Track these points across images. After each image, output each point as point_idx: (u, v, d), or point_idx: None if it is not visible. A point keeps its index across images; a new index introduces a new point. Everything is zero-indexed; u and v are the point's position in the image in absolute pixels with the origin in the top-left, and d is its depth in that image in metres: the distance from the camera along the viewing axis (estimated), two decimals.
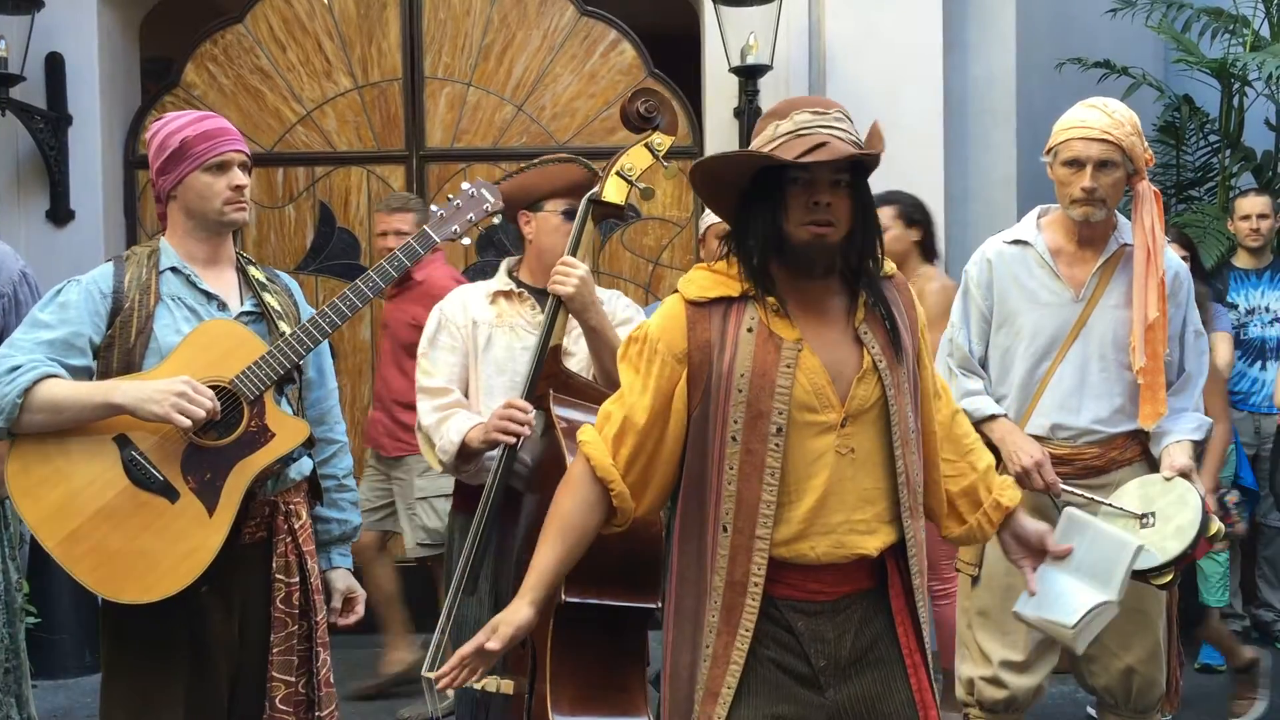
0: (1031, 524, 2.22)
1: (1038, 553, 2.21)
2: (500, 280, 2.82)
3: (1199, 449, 3.11)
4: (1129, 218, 2.96)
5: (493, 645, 1.98)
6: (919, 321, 2.15)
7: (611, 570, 2.34)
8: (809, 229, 1.95)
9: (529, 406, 2.52)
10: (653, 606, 2.50)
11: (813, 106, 2.01)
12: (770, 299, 2.00)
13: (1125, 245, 2.95)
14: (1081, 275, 2.97)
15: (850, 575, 2.05)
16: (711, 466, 2.01)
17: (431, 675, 2.43)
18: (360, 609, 2.70)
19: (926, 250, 4.17)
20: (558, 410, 2.48)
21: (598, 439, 2.05)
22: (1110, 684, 3.03)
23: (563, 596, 2.29)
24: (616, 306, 2.83)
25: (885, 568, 2.07)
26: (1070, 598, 2.23)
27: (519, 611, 2.01)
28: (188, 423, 2.23)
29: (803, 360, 1.99)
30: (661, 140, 2.62)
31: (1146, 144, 2.94)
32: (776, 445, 1.97)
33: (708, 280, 2.05)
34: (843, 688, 2.05)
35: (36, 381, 2.23)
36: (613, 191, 2.58)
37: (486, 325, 2.76)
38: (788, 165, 1.93)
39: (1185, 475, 2.83)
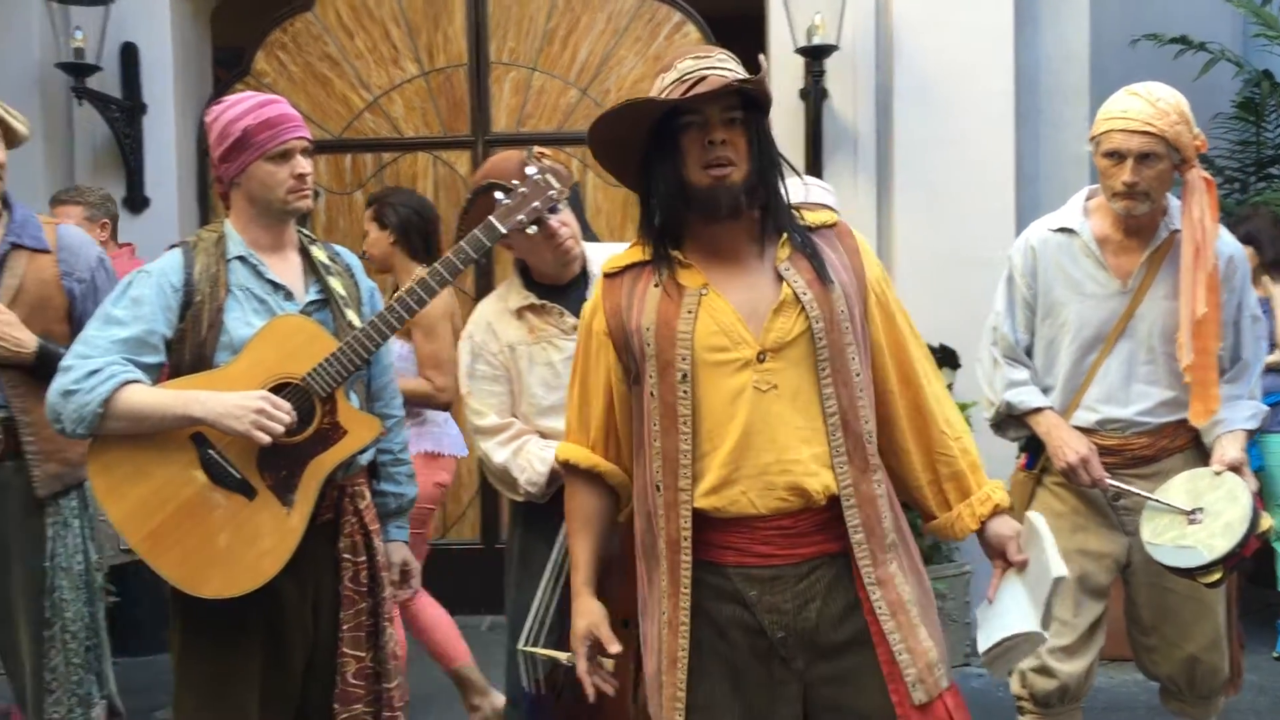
0: (1005, 525, 2.08)
1: (1002, 557, 2.08)
2: (519, 294, 2.74)
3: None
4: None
5: (615, 649, 2.11)
6: (869, 270, 2.05)
7: None
8: (708, 173, 1.94)
9: None
10: None
11: (695, 53, 2.01)
12: (676, 253, 2.01)
13: (1175, 232, 2.84)
14: (1129, 265, 2.88)
15: (806, 535, 1.97)
16: (643, 426, 2.04)
17: (527, 649, 2.48)
18: (416, 582, 2.75)
19: (414, 250, 3.95)
20: None
21: (565, 443, 2.21)
22: (1173, 672, 2.98)
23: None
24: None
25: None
26: (1001, 618, 2.05)
27: (592, 607, 2.14)
28: (267, 439, 2.25)
29: (706, 303, 1.96)
30: None
31: (1197, 131, 2.80)
32: (685, 392, 1.95)
33: (625, 254, 2.11)
34: (818, 664, 1.97)
35: (117, 389, 2.25)
36: None
37: (524, 345, 2.71)
38: (679, 112, 1.93)
39: (1236, 469, 2.75)
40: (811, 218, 2.06)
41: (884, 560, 1.97)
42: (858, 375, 1.97)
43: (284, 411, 2.27)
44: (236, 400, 2.26)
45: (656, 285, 2.01)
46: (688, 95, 1.90)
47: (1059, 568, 1.97)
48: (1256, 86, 5.86)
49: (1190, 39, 5.64)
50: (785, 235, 2.00)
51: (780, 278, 1.97)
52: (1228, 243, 2.89)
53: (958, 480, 2.07)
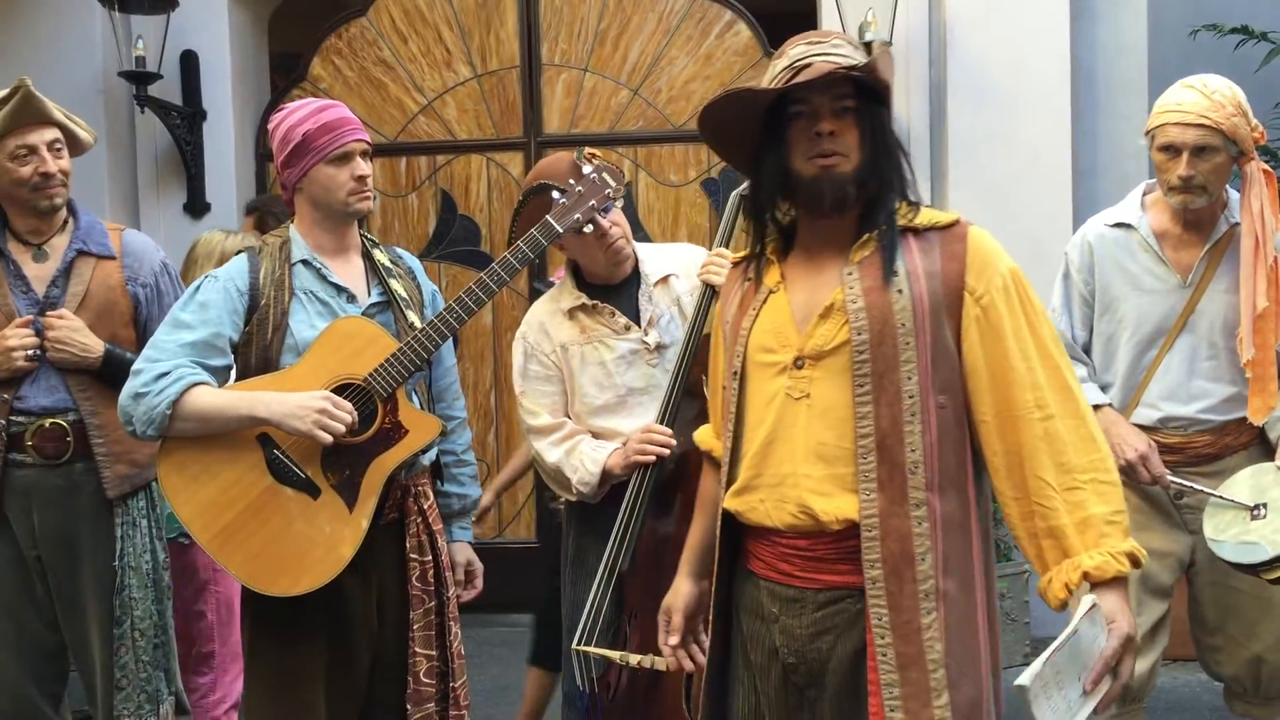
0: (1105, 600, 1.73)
1: None
2: (571, 295, 2.76)
3: None
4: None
5: (678, 621, 2.09)
6: (973, 279, 1.80)
7: None
8: (814, 162, 1.81)
9: (669, 430, 2.55)
10: None
11: (810, 38, 1.90)
12: (768, 246, 1.94)
13: (1235, 225, 2.80)
14: (1189, 259, 2.83)
15: (827, 562, 1.81)
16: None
17: (581, 648, 2.51)
18: (479, 583, 2.78)
19: None
20: None
21: (704, 429, 2.18)
22: (1238, 672, 2.93)
23: None
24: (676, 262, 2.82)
25: None
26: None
27: (680, 589, 2.13)
28: (329, 439, 2.29)
29: (771, 302, 1.89)
30: None
31: (1256, 122, 2.76)
32: (734, 390, 1.91)
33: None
34: (824, 701, 1.84)
35: (185, 391, 2.30)
36: None
37: (576, 345, 2.72)
38: (788, 101, 1.82)
39: None
40: (924, 217, 1.87)
41: (910, 607, 1.73)
42: (911, 397, 1.76)
43: (345, 411, 2.30)
44: (299, 401, 2.29)
45: (747, 280, 1.97)
46: (789, 84, 1.81)
47: (1025, 676, 1.62)
48: None
49: (1251, 29, 5.54)
50: (869, 234, 1.85)
51: (843, 280, 1.84)
52: None
53: (1056, 538, 1.74)
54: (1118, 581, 1.73)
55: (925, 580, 1.74)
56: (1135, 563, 1.74)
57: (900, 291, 1.78)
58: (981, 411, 1.79)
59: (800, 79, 1.79)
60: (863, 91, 1.82)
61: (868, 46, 1.63)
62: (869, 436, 1.76)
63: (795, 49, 1.88)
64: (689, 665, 2.13)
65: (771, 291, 1.90)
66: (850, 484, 1.78)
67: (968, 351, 1.80)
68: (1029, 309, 1.81)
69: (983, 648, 1.81)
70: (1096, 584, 1.72)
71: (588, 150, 2.59)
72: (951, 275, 1.80)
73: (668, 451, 2.53)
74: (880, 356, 1.77)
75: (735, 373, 1.91)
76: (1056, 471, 1.74)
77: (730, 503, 1.91)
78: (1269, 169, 2.77)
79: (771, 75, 1.89)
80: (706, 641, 2.07)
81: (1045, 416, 1.76)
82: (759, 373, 1.88)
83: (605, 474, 2.61)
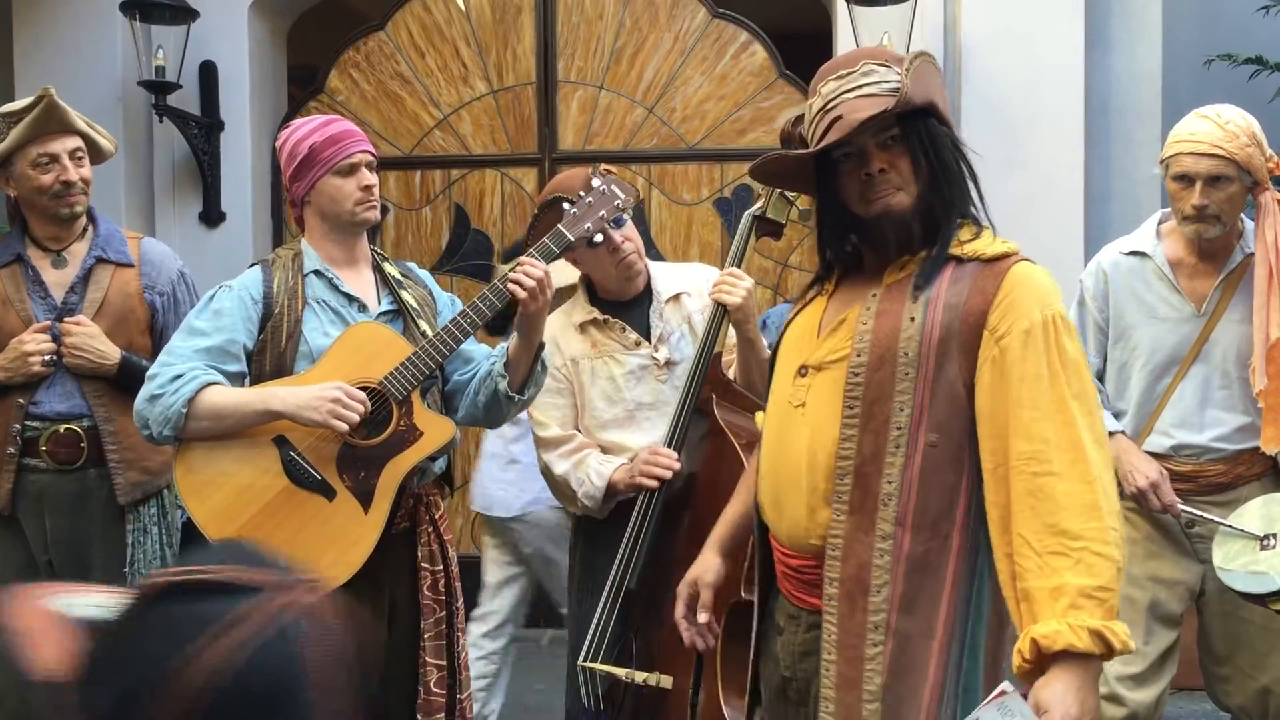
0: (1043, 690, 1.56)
1: None
2: (583, 309, 2.79)
3: None
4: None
5: (707, 597, 2.06)
6: (998, 319, 1.68)
7: None
8: (871, 205, 1.75)
9: (674, 454, 2.56)
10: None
11: (836, 71, 1.80)
12: (829, 279, 1.89)
13: (1251, 255, 2.80)
14: (1203, 289, 2.84)
15: (815, 584, 1.77)
16: None
17: (586, 664, 2.51)
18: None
19: None
20: (723, 415, 2.51)
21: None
22: (1246, 703, 2.92)
23: (742, 594, 2.33)
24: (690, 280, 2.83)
25: None
26: None
27: (710, 563, 2.09)
28: (345, 427, 2.31)
29: (814, 304, 1.89)
30: None
31: (1271, 152, 2.77)
32: (770, 378, 1.93)
33: None
34: None
35: (199, 390, 2.32)
36: (775, 210, 2.63)
37: (586, 359, 2.75)
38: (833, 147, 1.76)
39: None
40: (976, 246, 1.76)
41: (857, 634, 1.69)
42: (899, 429, 1.68)
43: (359, 401, 2.32)
44: (313, 392, 2.32)
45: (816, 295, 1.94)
46: (819, 145, 1.75)
47: None
48: None
49: (1265, 60, 5.55)
50: (910, 257, 1.77)
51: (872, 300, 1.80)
52: None
53: (1029, 602, 1.60)
54: (1072, 659, 1.53)
55: (877, 612, 1.68)
56: (1106, 646, 1.54)
57: (912, 320, 1.71)
58: (985, 460, 1.68)
59: (829, 138, 1.73)
60: (908, 113, 1.74)
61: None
62: (849, 459, 1.72)
63: (826, 86, 1.79)
64: (704, 644, 2.12)
65: (819, 293, 1.90)
66: (829, 498, 1.74)
67: (979, 395, 1.69)
68: (1055, 358, 1.66)
69: (927, 696, 1.67)
70: (1047, 657, 1.55)
71: (604, 166, 2.61)
72: (973, 312, 1.69)
73: (670, 474, 2.53)
74: (874, 383, 1.71)
75: (769, 371, 1.91)
76: (1040, 532, 1.59)
77: (760, 508, 1.90)
78: None
79: (810, 116, 1.82)
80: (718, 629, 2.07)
81: (1042, 473, 1.61)
82: (782, 371, 1.88)
83: (610, 488, 2.62)
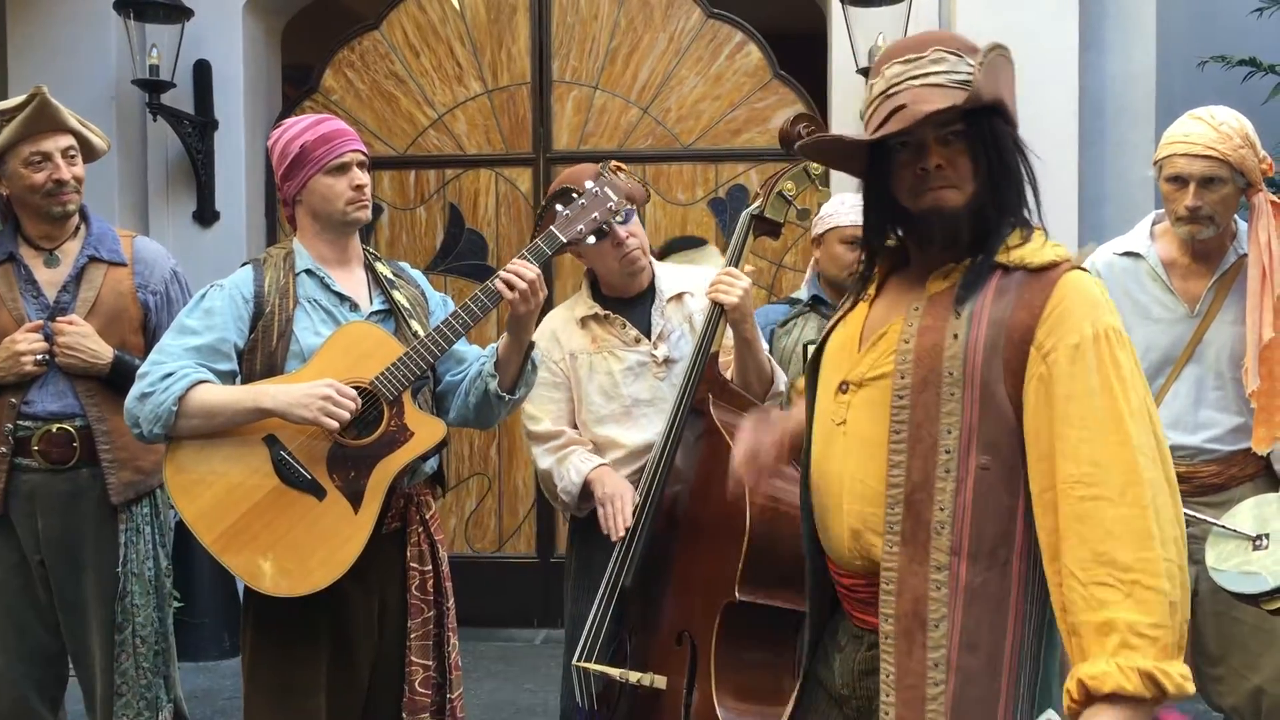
0: None
1: None
2: (585, 304, 2.81)
3: None
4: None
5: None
6: (1045, 335, 1.57)
7: (785, 573, 2.38)
8: (922, 198, 1.65)
9: (630, 515, 2.56)
10: None
11: (904, 54, 1.67)
12: (874, 275, 1.80)
13: (1244, 256, 2.81)
14: (1196, 289, 2.85)
15: (873, 605, 1.67)
16: None
17: (581, 664, 2.51)
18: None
19: None
20: (719, 415, 2.52)
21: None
22: (1239, 703, 2.93)
23: (736, 596, 2.34)
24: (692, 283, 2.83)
25: None
26: None
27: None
28: (335, 425, 2.31)
29: (856, 311, 1.79)
30: (817, 166, 2.65)
31: (1264, 154, 2.78)
32: (810, 399, 1.83)
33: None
34: None
35: (189, 388, 2.32)
36: (774, 210, 2.64)
37: (585, 354, 2.77)
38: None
39: None
40: (1023, 253, 1.65)
41: (917, 672, 1.60)
42: (948, 452, 1.59)
43: (349, 399, 2.32)
44: (303, 390, 2.31)
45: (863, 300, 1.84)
46: (877, 134, 1.64)
47: None
48: None
49: (1259, 61, 5.56)
50: (953, 265, 1.68)
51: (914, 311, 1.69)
52: None
53: (1077, 636, 1.50)
54: (1123, 701, 1.43)
55: (936, 649, 1.59)
56: (1159, 689, 1.43)
57: (956, 336, 1.61)
58: (1034, 484, 1.58)
59: (887, 129, 1.61)
60: (973, 109, 1.62)
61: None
62: (899, 487, 1.62)
63: (891, 69, 1.67)
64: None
65: (861, 299, 1.80)
66: (876, 525, 1.66)
67: (1027, 416, 1.58)
68: (1110, 373, 1.55)
69: None
70: (1095, 699, 1.46)
71: (613, 164, 2.61)
72: (1018, 326, 1.59)
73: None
74: (921, 404, 1.61)
75: (810, 382, 1.82)
76: (1087, 561, 1.49)
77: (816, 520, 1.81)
78: (1277, 200, 2.79)
79: (870, 98, 1.71)
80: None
81: (1090, 496, 1.50)
82: (824, 386, 1.79)
83: (586, 488, 2.63)
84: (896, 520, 1.62)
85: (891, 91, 1.65)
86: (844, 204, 3.32)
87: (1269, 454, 2.82)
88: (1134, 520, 1.49)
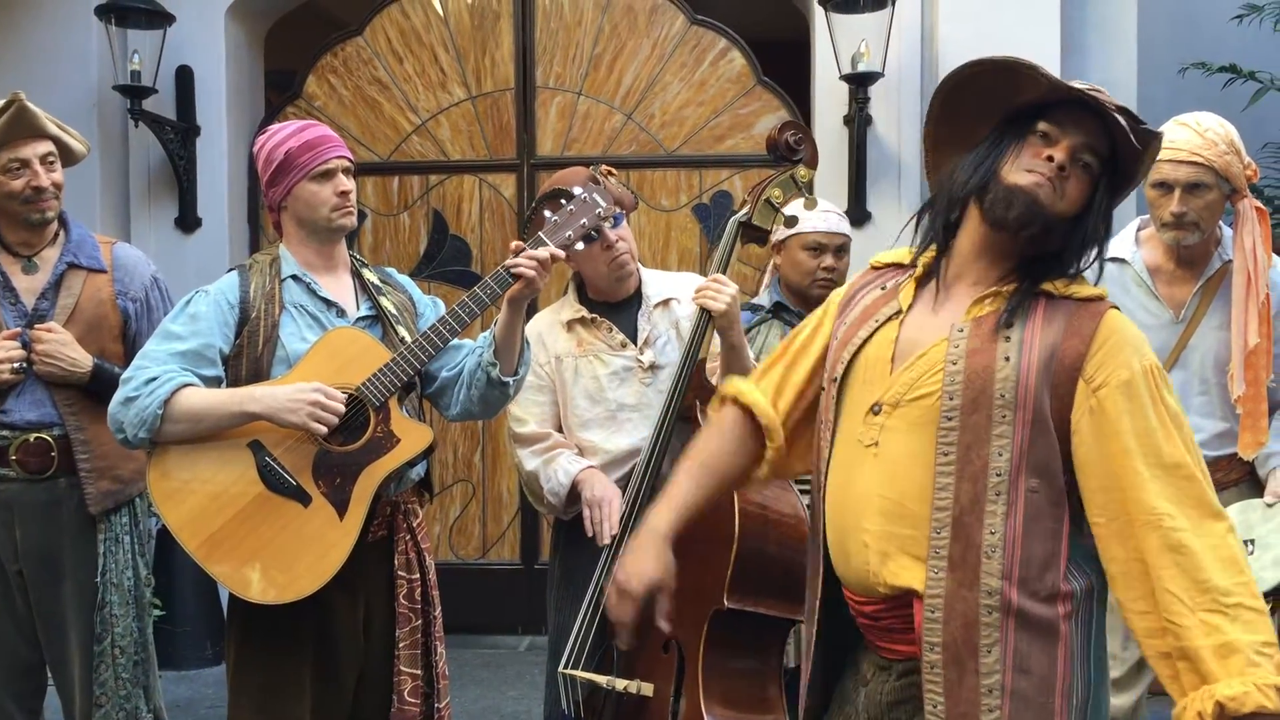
0: None
1: None
2: (572, 308, 2.82)
3: None
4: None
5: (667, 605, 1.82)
6: (1095, 368, 1.62)
7: (773, 581, 2.38)
8: (1029, 174, 1.65)
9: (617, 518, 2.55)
10: (800, 619, 2.54)
11: (1096, 87, 1.71)
12: (922, 261, 1.78)
13: (1229, 262, 2.82)
14: (1182, 295, 2.85)
15: (899, 632, 1.68)
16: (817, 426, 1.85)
17: (567, 671, 2.49)
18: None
19: None
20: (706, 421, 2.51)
21: (751, 386, 1.92)
22: None
23: (725, 603, 2.33)
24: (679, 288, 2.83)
25: None
26: None
27: (668, 560, 1.82)
28: (324, 430, 2.30)
29: (887, 328, 1.75)
30: (805, 173, 2.65)
31: (1248, 160, 2.78)
32: (834, 395, 1.77)
33: (902, 251, 1.88)
34: None
35: (174, 392, 2.30)
36: (761, 217, 2.63)
37: (570, 357, 2.77)
38: (1035, 118, 1.67)
39: None
40: (1070, 287, 1.69)
41: (970, 700, 1.60)
42: (999, 475, 1.60)
43: (338, 401, 2.31)
44: (291, 394, 2.30)
45: (882, 290, 1.83)
46: (1071, 91, 1.65)
47: None
48: None
49: (1240, 69, 5.59)
50: (996, 289, 1.69)
51: (958, 330, 1.68)
52: None
53: (1191, 661, 1.53)
54: (1262, 719, 1.49)
55: (990, 674, 1.59)
56: None
57: (1008, 359, 1.62)
58: (1094, 514, 1.62)
59: (1084, 91, 1.65)
60: (1108, 167, 1.69)
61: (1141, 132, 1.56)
62: (945, 510, 1.62)
63: (1079, 85, 1.69)
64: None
65: (894, 315, 1.77)
66: (911, 548, 1.65)
67: (1078, 446, 1.62)
68: (1161, 412, 1.61)
69: None
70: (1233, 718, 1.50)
71: (605, 168, 2.60)
72: (1070, 355, 1.62)
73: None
74: (970, 426, 1.62)
75: (835, 379, 1.77)
76: (1191, 589, 1.54)
77: (828, 542, 1.76)
78: (1261, 206, 2.80)
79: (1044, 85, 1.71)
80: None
81: (1176, 529, 1.56)
82: (854, 402, 1.75)
83: (574, 491, 2.63)
84: (943, 545, 1.62)
85: (1080, 87, 1.67)
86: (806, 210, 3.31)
87: (1254, 459, 2.83)
88: (1222, 549, 1.56)
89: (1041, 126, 1.67)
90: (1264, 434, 2.76)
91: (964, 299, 1.71)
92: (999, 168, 1.68)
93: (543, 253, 2.40)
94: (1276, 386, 2.82)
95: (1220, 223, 2.86)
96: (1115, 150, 1.67)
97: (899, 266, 1.86)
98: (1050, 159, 1.65)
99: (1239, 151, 2.75)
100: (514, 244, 2.45)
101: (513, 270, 2.39)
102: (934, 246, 1.78)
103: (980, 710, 1.59)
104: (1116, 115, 1.62)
